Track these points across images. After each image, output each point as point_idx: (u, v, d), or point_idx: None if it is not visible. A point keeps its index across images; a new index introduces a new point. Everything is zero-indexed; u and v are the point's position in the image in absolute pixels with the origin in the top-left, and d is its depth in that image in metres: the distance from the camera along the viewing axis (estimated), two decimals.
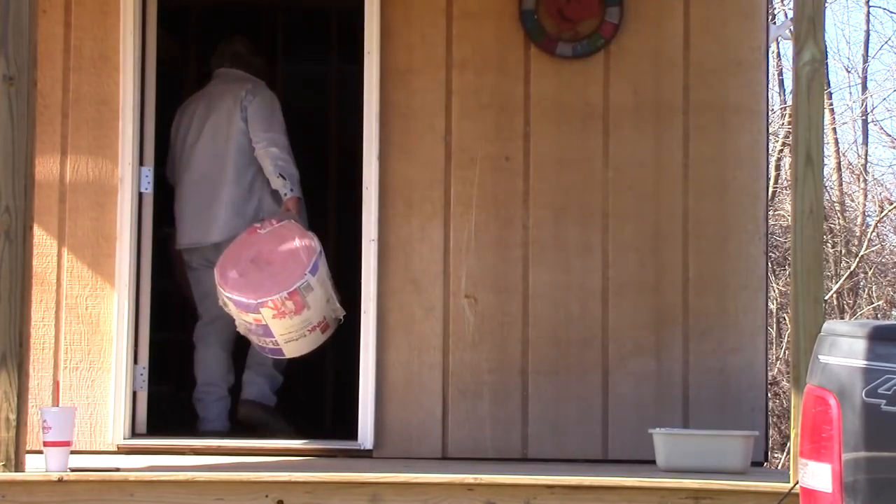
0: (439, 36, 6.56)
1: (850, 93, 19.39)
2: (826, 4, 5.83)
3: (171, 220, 7.30)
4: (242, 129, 6.84)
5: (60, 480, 5.19)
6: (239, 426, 7.00)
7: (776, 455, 13.18)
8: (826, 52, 5.56)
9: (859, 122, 18.48)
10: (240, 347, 7.22)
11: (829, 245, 15.82)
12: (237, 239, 6.58)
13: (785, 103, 16.40)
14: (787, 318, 13.39)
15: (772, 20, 10.73)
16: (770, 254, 10.73)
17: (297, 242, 6.44)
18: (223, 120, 6.89)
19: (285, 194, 6.75)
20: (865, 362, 3.68)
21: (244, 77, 7.06)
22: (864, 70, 18.78)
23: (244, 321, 6.45)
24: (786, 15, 15.70)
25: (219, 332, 6.96)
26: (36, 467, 5.31)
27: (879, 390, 3.63)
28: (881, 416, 3.62)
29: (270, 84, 7.43)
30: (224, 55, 7.15)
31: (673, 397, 6.41)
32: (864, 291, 16.46)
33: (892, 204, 17.42)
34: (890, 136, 19.16)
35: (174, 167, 7.05)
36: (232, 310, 6.44)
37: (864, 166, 18.24)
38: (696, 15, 6.54)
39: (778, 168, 15.89)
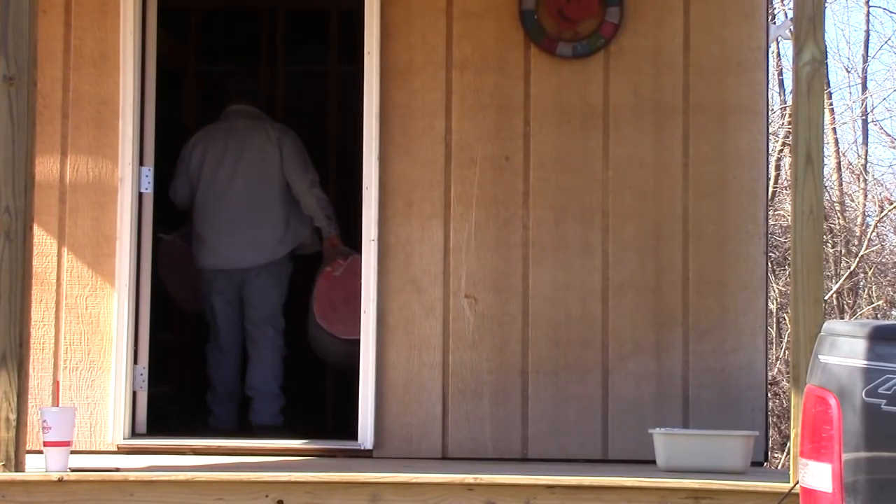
0: (439, 36, 6.56)
1: (850, 93, 19.39)
2: (826, 4, 5.83)
3: (170, 223, 7.32)
4: (279, 167, 7.22)
5: (60, 480, 5.19)
6: (245, 427, 7.04)
7: (776, 455, 13.18)
8: (826, 52, 5.55)
9: (859, 122, 18.48)
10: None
11: (829, 245, 15.82)
12: (318, 289, 7.20)
13: (785, 103, 16.40)
14: (787, 318, 13.39)
15: (772, 20, 10.73)
16: (770, 254, 10.73)
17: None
18: (259, 156, 7.25)
19: (329, 232, 7.29)
20: (865, 362, 3.67)
21: (264, 116, 7.48)
22: (864, 70, 18.78)
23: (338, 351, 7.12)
24: (786, 15, 15.69)
25: (232, 345, 7.36)
26: (36, 467, 5.31)
27: (879, 390, 3.63)
28: (881, 416, 3.62)
29: (271, 84, 7.48)
30: (239, 93, 7.48)
31: (673, 397, 6.41)
32: (864, 291, 16.45)
33: (892, 204, 17.42)
34: (890, 136, 19.16)
35: (193, 192, 7.34)
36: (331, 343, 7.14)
37: (864, 166, 18.24)
38: (696, 15, 6.54)
39: (778, 168, 15.89)
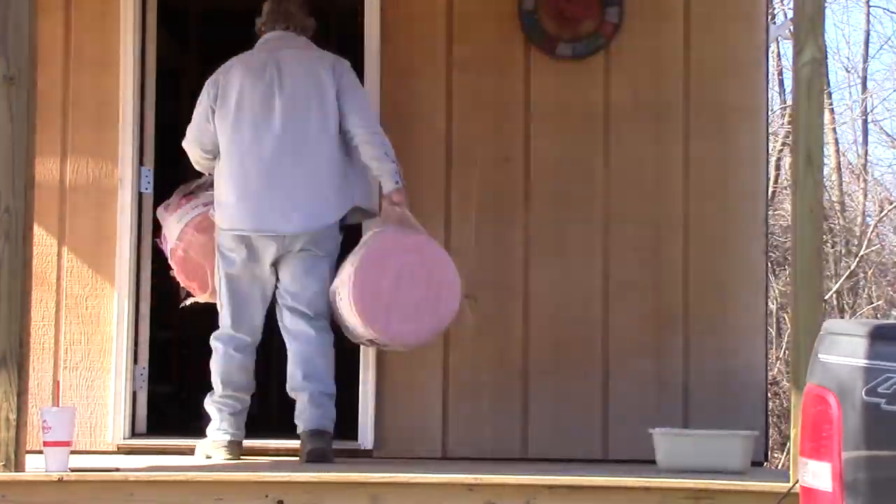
0: (439, 36, 6.56)
1: (850, 93, 19.39)
2: (826, 4, 5.83)
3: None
4: (336, 108, 6.00)
5: (60, 480, 5.19)
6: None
7: (776, 455, 13.17)
8: (826, 52, 5.55)
9: (859, 122, 18.48)
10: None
11: (829, 245, 15.82)
12: (365, 261, 5.75)
13: (785, 103, 16.40)
14: (787, 318, 13.39)
15: (772, 20, 10.73)
16: (770, 254, 10.74)
17: (441, 265, 5.81)
18: (311, 94, 6.01)
19: (396, 182, 5.91)
20: (865, 361, 3.67)
21: (314, 46, 6.23)
22: (864, 70, 18.77)
23: (371, 340, 5.97)
24: (786, 15, 15.69)
25: (248, 338, 6.19)
26: (36, 467, 5.31)
27: (879, 389, 3.63)
28: (881, 415, 3.62)
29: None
30: (278, 15, 6.24)
31: (673, 397, 6.41)
32: (864, 291, 16.45)
33: (892, 204, 17.42)
34: (890, 136, 19.14)
35: (211, 136, 6.12)
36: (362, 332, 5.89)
37: (864, 166, 18.23)
38: (696, 15, 6.55)
39: (778, 168, 15.89)
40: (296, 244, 5.99)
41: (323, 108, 6.02)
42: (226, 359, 6.17)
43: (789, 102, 14.41)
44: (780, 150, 15.87)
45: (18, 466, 5.22)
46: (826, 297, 14.37)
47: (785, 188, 15.56)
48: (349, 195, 6.05)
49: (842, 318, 15.45)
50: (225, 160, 6.08)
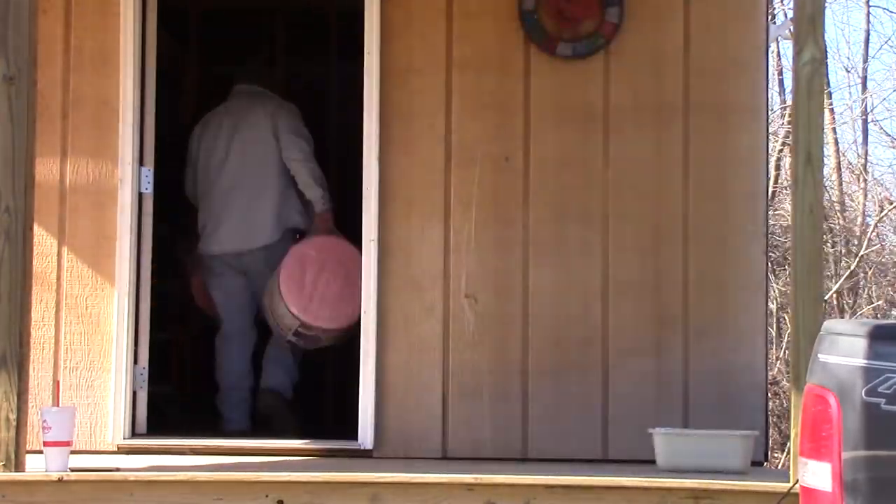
0: (439, 36, 6.56)
1: (850, 93, 19.38)
2: (826, 4, 5.82)
3: (177, 228, 7.33)
4: (274, 142, 7.12)
5: (60, 480, 5.19)
6: (256, 422, 7.02)
7: (776, 455, 13.17)
8: (826, 52, 5.55)
9: (859, 122, 18.46)
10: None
11: (829, 245, 15.81)
12: (287, 271, 6.82)
13: (785, 103, 16.39)
14: (787, 318, 13.39)
15: (772, 20, 10.73)
16: (770, 254, 10.73)
17: (356, 264, 6.59)
18: (254, 133, 7.15)
19: (324, 205, 7.08)
20: (865, 361, 3.68)
21: (266, 93, 7.38)
22: (864, 70, 18.75)
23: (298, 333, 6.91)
24: (786, 15, 15.68)
25: (242, 335, 7.24)
26: (36, 467, 5.31)
27: (879, 389, 3.63)
28: (881, 415, 3.62)
29: (270, 84, 7.48)
30: (243, 73, 7.49)
31: (673, 397, 6.41)
32: (864, 291, 16.44)
33: (892, 204, 17.41)
34: (890, 136, 19.13)
35: (196, 181, 7.34)
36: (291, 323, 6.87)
37: (864, 166, 18.21)
38: (697, 15, 6.54)
39: (778, 168, 15.88)
40: (247, 259, 7.14)
41: (264, 147, 7.12)
42: (218, 354, 7.25)
43: (789, 102, 14.40)
44: (780, 150, 15.86)
45: (18, 466, 5.23)
46: (826, 297, 14.36)
47: (785, 188, 15.55)
48: (286, 218, 7.14)
49: (842, 318, 15.44)
50: (199, 200, 7.32)
